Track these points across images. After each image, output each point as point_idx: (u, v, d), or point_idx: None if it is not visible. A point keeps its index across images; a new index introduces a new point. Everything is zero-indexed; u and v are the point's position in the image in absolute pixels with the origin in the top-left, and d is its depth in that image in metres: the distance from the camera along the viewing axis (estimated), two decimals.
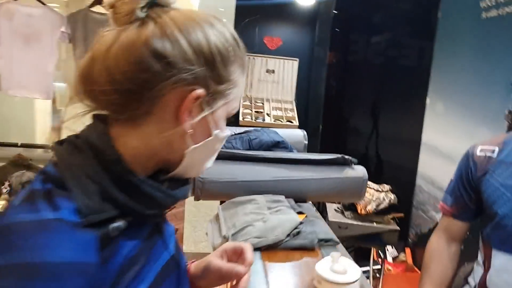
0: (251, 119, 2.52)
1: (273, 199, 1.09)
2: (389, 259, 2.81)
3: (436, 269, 1.04)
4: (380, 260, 2.65)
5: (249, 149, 1.57)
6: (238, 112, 2.61)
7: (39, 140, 3.61)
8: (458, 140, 2.46)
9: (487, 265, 0.95)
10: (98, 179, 0.44)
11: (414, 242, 2.90)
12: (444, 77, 2.67)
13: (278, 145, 1.56)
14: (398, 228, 2.27)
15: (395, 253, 2.88)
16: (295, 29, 2.81)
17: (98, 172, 0.45)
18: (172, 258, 0.55)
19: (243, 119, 2.53)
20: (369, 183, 2.46)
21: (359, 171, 1.24)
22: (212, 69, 0.48)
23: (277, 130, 1.92)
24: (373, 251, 2.57)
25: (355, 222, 2.27)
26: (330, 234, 0.94)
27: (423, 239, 2.81)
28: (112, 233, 0.43)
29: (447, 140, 2.59)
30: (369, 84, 3.03)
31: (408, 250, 2.87)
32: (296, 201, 1.17)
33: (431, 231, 2.77)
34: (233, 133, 1.84)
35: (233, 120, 2.66)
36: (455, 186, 1.03)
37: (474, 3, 2.33)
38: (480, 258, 1.00)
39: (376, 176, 3.42)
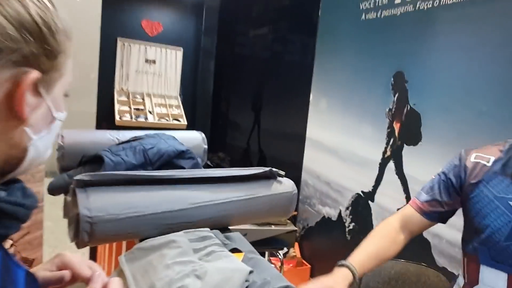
0: (131, 118, 2.11)
1: (198, 236, 0.82)
2: (280, 256, 2.80)
3: (375, 242, 0.96)
4: (279, 261, 2.60)
5: (145, 162, 1.23)
6: (113, 110, 2.17)
7: None
8: (341, 135, 2.57)
9: (470, 280, 0.89)
10: None
11: (302, 236, 2.96)
12: (326, 75, 2.75)
13: (183, 155, 1.27)
14: (295, 228, 2.23)
15: (285, 249, 2.89)
16: (177, 14, 2.47)
17: None
18: (27, 273, 0.47)
19: (120, 117, 2.10)
20: None
21: (288, 184, 1.07)
22: (42, 44, 0.41)
23: (171, 133, 1.62)
24: (267, 253, 2.50)
25: (254, 228, 2.14)
26: (283, 279, 0.73)
27: (310, 233, 2.88)
28: None
29: (330, 136, 2.68)
30: (255, 79, 2.92)
31: (296, 245, 2.91)
32: (220, 230, 0.92)
33: (318, 224, 2.89)
34: (117, 141, 1.45)
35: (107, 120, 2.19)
36: (435, 186, 0.95)
37: (354, 3, 2.42)
38: (461, 272, 0.94)
39: None
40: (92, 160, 1.26)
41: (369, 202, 2.27)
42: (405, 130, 2.03)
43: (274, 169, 1.05)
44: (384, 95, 2.17)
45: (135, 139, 1.39)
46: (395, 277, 1.55)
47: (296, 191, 1.08)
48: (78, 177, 0.80)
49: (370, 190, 2.27)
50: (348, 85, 2.50)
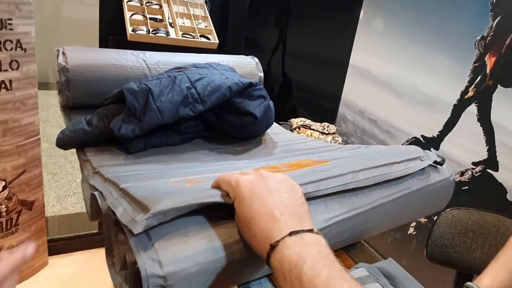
0: (148, 32, 1.60)
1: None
2: None
3: None
4: None
5: (191, 98, 0.80)
6: (122, 20, 1.64)
7: None
8: (399, 66, 2.10)
9: None
10: None
11: None
12: None
13: (249, 92, 0.84)
14: None
15: None
16: None
17: None
18: None
19: (133, 31, 1.59)
20: (309, 122, 1.95)
21: (443, 169, 0.67)
22: None
23: (215, 57, 1.18)
24: None
25: None
26: None
27: None
28: None
29: (384, 65, 2.21)
30: None
31: None
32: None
33: None
34: (144, 64, 1.01)
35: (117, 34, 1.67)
36: None
37: None
38: None
39: (290, 103, 2.98)
40: (116, 98, 0.83)
41: (432, 149, 1.92)
42: (503, 67, 1.58)
43: (437, 156, 0.64)
44: (476, 17, 1.67)
45: (178, 69, 0.94)
46: (472, 228, 1.40)
47: (454, 176, 0.70)
48: (125, 216, 0.40)
49: (435, 136, 1.90)
50: (421, 2, 1.96)
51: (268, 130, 1.03)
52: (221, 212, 0.46)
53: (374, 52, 2.26)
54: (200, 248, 0.42)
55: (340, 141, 1.82)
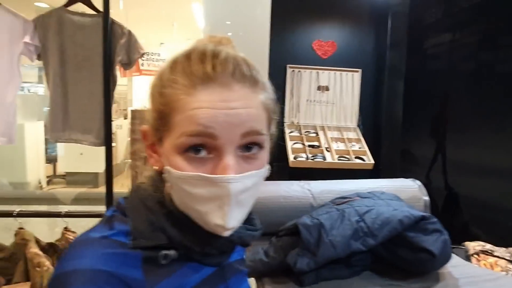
0: (306, 158, 1.73)
1: None
2: None
3: None
4: None
5: (360, 232, 0.80)
6: (285, 150, 1.84)
7: (30, 177, 3.71)
8: None
9: None
10: (155, 210, 0.46)
11: None
12: None
13: (422, 226, 0.79)
14: None
15: None
16: (354, 29, 2.06)
17: (155, 204, 0.46)
18: None
19: (294, 158, 1.75)
20: (489, 246, 1.68)
21: None
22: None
23: (371, 182, 1.18)
24: None
25: None
26: None
27: None
28: (160, 259, 0.44)
29: None
30: (456, 99, 2.28)
31: None
32: None
33: None
34: (309, 194, 1.08)
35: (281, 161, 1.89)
36: None
37: None
38: None
39: (459, 221, 2.65)
40: (290, 231, 0.90)
41: None
42: None
43: None
44: None
45: (342, 200, 0.98)
46: None
47: None
48: None
49: None
50: None
51: None
52: None
53: None
54: None
55: None
